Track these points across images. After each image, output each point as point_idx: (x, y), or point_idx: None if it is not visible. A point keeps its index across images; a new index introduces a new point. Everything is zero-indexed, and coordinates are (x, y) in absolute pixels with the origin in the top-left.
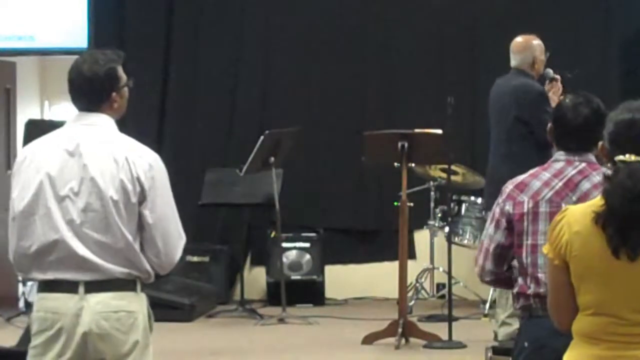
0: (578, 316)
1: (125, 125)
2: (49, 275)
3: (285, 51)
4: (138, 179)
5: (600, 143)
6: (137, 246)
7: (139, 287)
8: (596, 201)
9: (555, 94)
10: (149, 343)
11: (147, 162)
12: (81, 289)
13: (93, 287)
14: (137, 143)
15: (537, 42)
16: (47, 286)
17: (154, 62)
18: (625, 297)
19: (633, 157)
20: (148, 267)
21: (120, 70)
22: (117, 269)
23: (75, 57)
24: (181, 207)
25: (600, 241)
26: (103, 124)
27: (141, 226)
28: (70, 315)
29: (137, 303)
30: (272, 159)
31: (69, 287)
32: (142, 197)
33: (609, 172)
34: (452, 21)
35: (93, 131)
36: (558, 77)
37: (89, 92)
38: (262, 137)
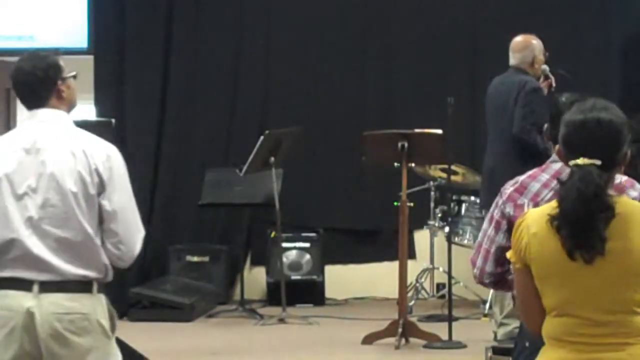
0: (546, 319)
1: (125, 125)
2: (6, 273)
3: (285, 51)
4: (96, 170)
5: (556, 147)
6: (97, 241)
7: (95, 288)
8: (553, 203)
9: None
10: (108, 344)
11: (104, 154)
12: (35, 287)
13: (48, 287)
14: (94, 136)
15: (536, 41)
16: (4, 283)
17: (154, 61)
18: (585, 297)
19: (586, 160)
20: (107, 261)
21: (61, 61)
22: (72, 271)
23: (75, 57)
24: (181, 207)
25: (556, 243)
26: (57, 119)
27: (100, 218)
28: (22, 314)
29: (91, 305)
30: (272, 159)
31: (23, 285)
32: (101, 189)
33: (563, 177)
34: (452, 21)
35: (48, 127)
36: (552, 77)
37: (34, 86)
38: (262, 137)
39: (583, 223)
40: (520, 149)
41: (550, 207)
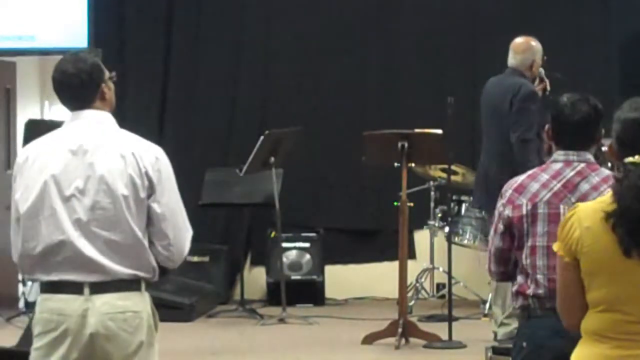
0: (588, 313)
1: (125, 125)
2: (53, 277)
3: (285, 51)
4: (146, 173)
5: (608, 143)
6: (145, 242)
7: (143, 286)
8: (606, 198)
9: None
10: (154, 342)
11: (153, 156)
12: (86, 290)
13: (98, 287)
14: (140, 138)
15: (537, 44)
16: (51, 287)
17: (154, 62)
18: (636, 294)
19: None
20: (154, 263)
21: (102, 63)
22: (123, 271)
23: None
24: None
25: (611, 238)
26: (102, 120)
27: (149, 220)
28: (75, 317)
29: (142, 303)
30: (272, 159)
31: (73, 288)
32: (151, 191)
33: (619, 173)
34: (452, 21)
35: (94, 129)
36: (547, 80)
37: (79, 88)
38: (262, 137)
39: None
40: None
41: (603, 202)
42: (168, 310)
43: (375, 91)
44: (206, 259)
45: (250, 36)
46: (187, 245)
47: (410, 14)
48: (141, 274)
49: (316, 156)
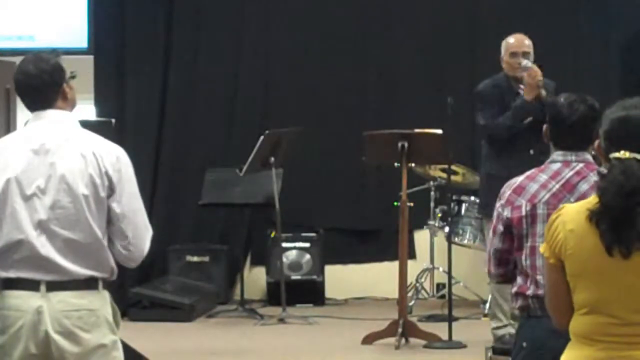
0: (574, 316)
1: (125, 125)
2: (11, 274)
3: (285, 51)
4: (106, 172)
5: (596, 142)
6: (105, 242)
7: (100, 286)
8: (591, 199)
9: (530, 79)
10: (116, 340)
11: (114, 156)
12: (42, 287)
13: (54, 286)
14: (101, 138)
15: (507, 41)
16: (9, 284)
17: (154, 61)
18: (620, 296)
19: (627, 154)
20: (113, 264)
21: (62, 62)
22: (80, 271)
23: (75, 57)
24: (181, 207)
25: (595, 239)
26: (64, 120)
27: (109, 220)
28: (31, 313)
29: (98, 301)
30: (272, 159)
31: (30, 285)
32: (110, 191)
33: (604, 170)
34: (452, 21)
35: (56, 128)
36: (533, 67)
37: (42, 89)
38: (262, 137)
39: (622, 217)
40: (484, 151)
41: (588, 202)
42: (168, 310)
43: (375, 91)
44: (206, 259)
45: (250, 36)
46: (146, 245)
47: (411, 14)
48: (99, 274)
49: (316, 156)
